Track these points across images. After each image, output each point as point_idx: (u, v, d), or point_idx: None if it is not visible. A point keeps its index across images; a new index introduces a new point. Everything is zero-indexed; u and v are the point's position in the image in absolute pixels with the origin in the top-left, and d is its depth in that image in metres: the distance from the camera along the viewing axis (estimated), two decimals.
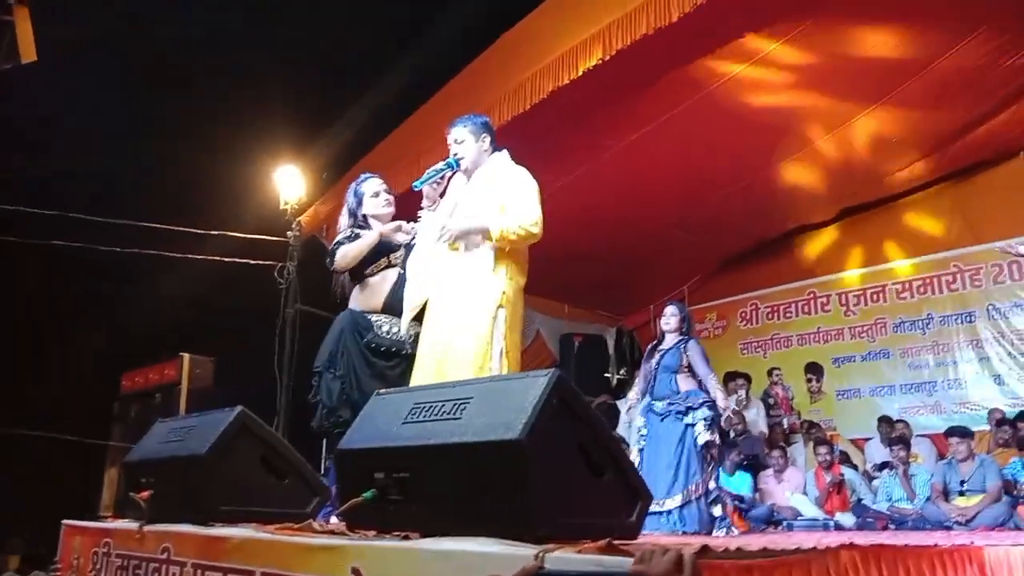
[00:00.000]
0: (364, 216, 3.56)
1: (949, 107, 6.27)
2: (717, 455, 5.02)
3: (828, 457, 6.54)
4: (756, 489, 6.56)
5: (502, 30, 5.66)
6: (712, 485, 4.78)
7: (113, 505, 7.34)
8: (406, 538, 1.74)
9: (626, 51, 4.69)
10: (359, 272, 3.43)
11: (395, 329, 3.31)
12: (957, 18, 5.29)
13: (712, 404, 4.82)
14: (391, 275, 3.43)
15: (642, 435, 4.92)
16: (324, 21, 7.93)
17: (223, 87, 7.67)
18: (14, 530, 7.28)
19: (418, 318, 3.20)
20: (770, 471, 6.68)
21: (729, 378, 7.38)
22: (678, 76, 5.56)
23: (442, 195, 3.24)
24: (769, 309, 8.63)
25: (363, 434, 2.03)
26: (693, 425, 4.75)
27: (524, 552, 1.38)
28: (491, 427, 1.71)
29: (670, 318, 5.11)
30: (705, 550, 1.34)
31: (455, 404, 1.84)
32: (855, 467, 6.83)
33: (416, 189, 3.20)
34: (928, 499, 5.96)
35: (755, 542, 2.57)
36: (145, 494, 2.53)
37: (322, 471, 4.67)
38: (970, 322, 7.24)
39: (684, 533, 4.50)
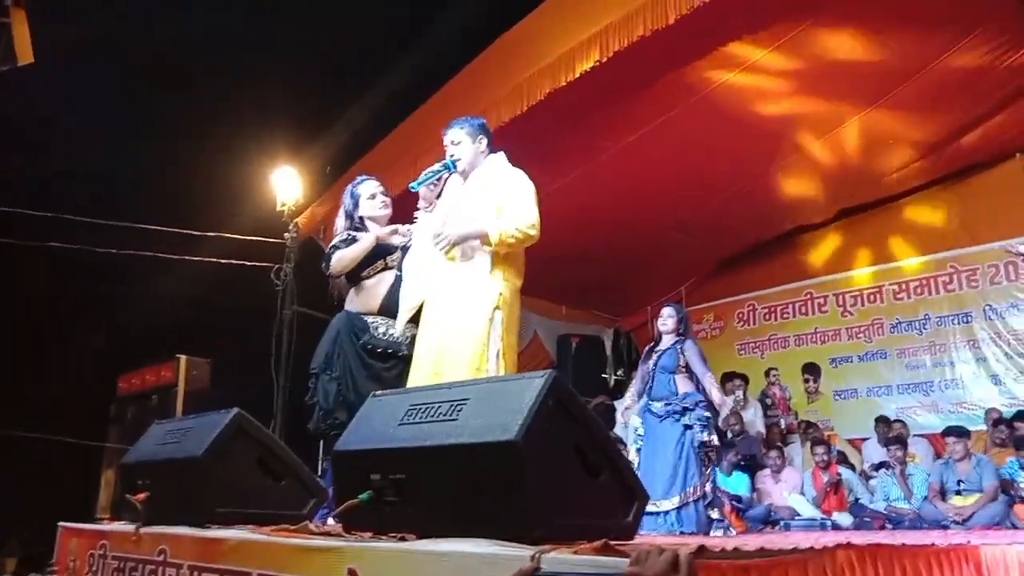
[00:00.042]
0: (361, 218, 3.56)
1: (946, 109, 6.29)
2: (715, 457, 5.03)
3: (825, 457, 6.55)
4: (753, 489, 6.57)
5: (500, 31, 5.66)
6: (709, 487, 4.78)
7: (110, 507, 7.33)
8: (402, 539, 1.74)
9: (623, 53, 4.69)
10: (355, 275, 3.42)
11: (391, 331, 3.31)
12: (953, 21, 5.30)
13: (709, 405, 4.83)
14: (388, 277, 3.42)
15: (639, 435, 4.92)
16: (322, 22, 7.93)
17: (221, 88, 7.67)
18: (11, 531, 7.27)
19: (414, 320, 3.20)
20: (767, 471, 6.69)
21: (726, 379, 7.39)
22: (675, 78, 5.57)
23: (438, 196, 3.23)
24: (766, 310, 8.64)
25: (359, 435, 2.03)
26: (691, 426, 4.75)
27: (520, 553, 1.38)
28: (487, 428, 1.71)
29: (667, 319, 5.11)
30: (702, 550, 1.33)
31: (451, 405, 1.84)
32: (852, 467, 6.84)
33: (412, 190, 3.20)
34: (925, 499, 5.97)
35: (752, 542, 2.57)
36: (141, 496, 2.52)
37: (319, 472, 4.67)
38: (967, 322, 7.26)
39: (682, 533, 4.50)
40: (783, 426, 7.52)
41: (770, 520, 6.23)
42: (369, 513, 1.88)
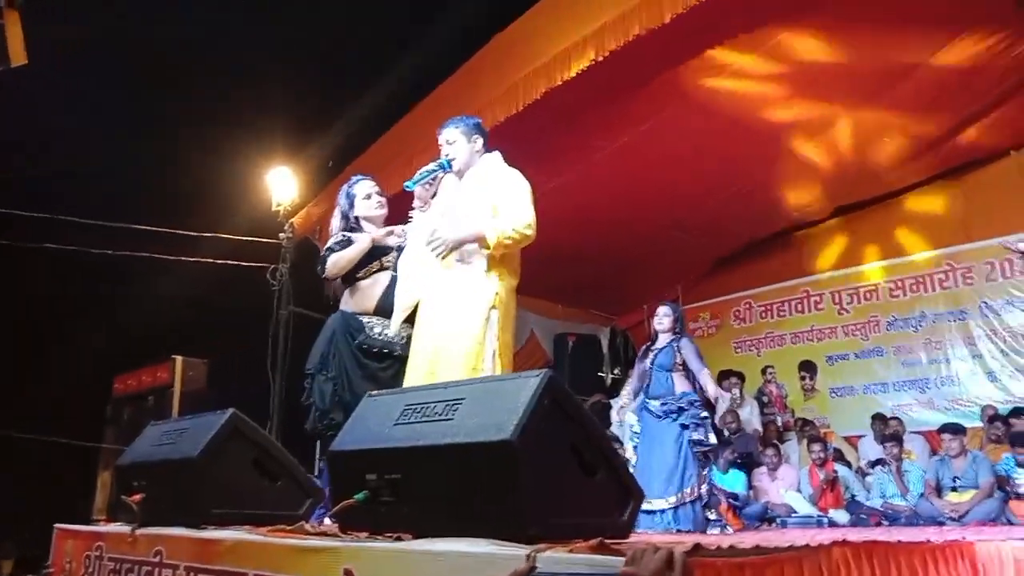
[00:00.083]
0: (356, 218, 3.55)
1: (941, 107, 6.30)
2: (712, 456, 5.04)
3: (822, 454, 6.57)
4: (750, 487, 6.58)
5: (495, 31, 5.66)
6: (705, 488, 4.79)
7: (106, 508, 7.31)
8: (398, 539, 1.74)
9: (619, 52, 4.69)
10: (351, 276, 3.42)
11: (387, 331, 3.31)
12: (949, 19, 5.31)
13: (706, 404, 4.83)
14: (383, 278, 3.41)
15: (635, 432, 4.92)
16: (318, 22, 7.92)
17: (217, 88, 7.65)
18: (7, 533, 7.25)
19: (409, 320, 3.19)
20: (764, 469, 6.70)
21: (723, 377, 7.41)
22: (671, 77, 5.58)
23: (433, 196, 3.23)
24: (763, 308, 8.65)
25: (355, 436, 2.03)
26: (688, 426, 4.75)
27: (516, 552, 1.38)
28: (483, 428, 1.71)
29: (663, 318, 5.12)
30: (697, 548, 1.34)
31: (447, 405, 1.84)
32: (848, 464, 6.86)
33: (408, 190, 3.19)
34: (921, 495, 5.99)
35: (748, 540, 2.58)
36: (137, 497, 2.52)
37: (316, 473, 4.66)
38: (963, 319, 7.27)
39: (679, 532, 4.51)
40: (780, 424, 7.53)
41: (767, 518, 6.25)
42: (365, 513, 1.88)
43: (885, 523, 5.88)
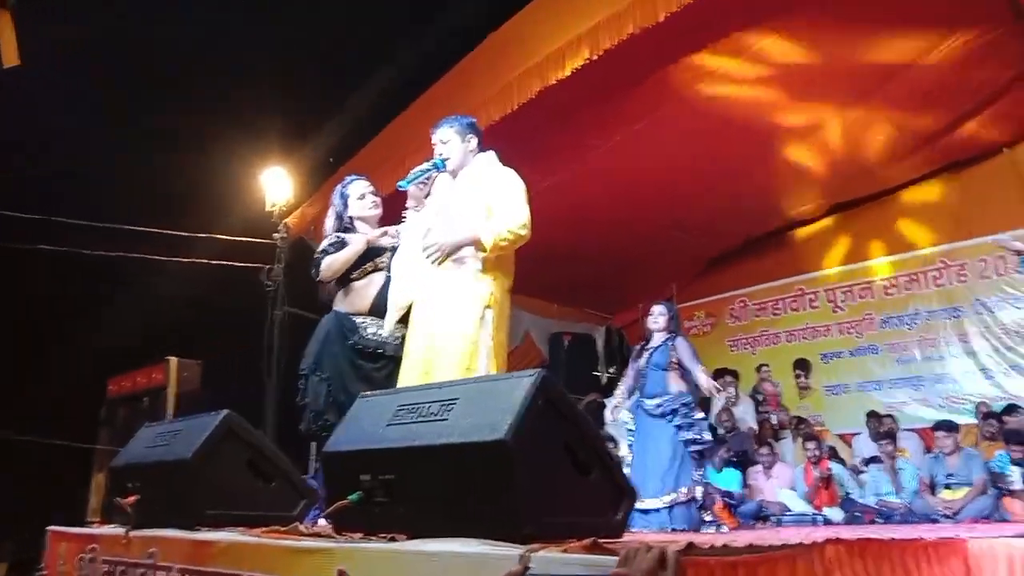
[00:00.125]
0: (351, 219, 3.54)
1: (935, 106, 6.33)
2: (708, 455, 5.04)
3: (816, 452, 6.58)
4: (745, 485, 6.59)
5: (489, 31, 5.66)
6: (700, 490, 4.79)
7: (101, 510, 7.30)
8: (392, 540, 1.74)
9: (614, 51, 4.70)
10: (345, 276, 3.41)
11: (380, 331, 3.30)
12: (943, 19, 5.33)
13: (701, 404, 4.84)
14: (377, 279, 3.41)
15: (630, 430, 4.92)
16: (313, 23, 7.91)
17: (212, 89, 7.64)
18: (2, 535, 7.22)
19: (403, 320, 3.19)
20: (759, 467, 6.71)
21: (718, 375, 7.37)
22: (665, 76, 5.59)
23: (427, 196, 3.23)
24: (757, 306, 8.66)
25: (349, 436, 2.03)
26: (683, 427, 4.76)
27: (510, 552, 1.38)
28: (477, 428, 1.71)
29: (658, 317, 5.12)
30: (690, 547, 1.34)
31: (441, 405, 1.84)
32: (843, 462, 6.87)
33: (401, 189, 3.19)
34: (916, 493, 6.01)
35: (742, 538, 2.58)
36: (130, 499, 2.51)
37: (312, 473, 4.66)
38: (957, 317, 7.28)
39: (674, 531, 4.51)
40: (774, 422, 7.54)
41: (762, 516, 6.26)
42: (359, 514, 1.88)
43: (880, 521, 5.90)
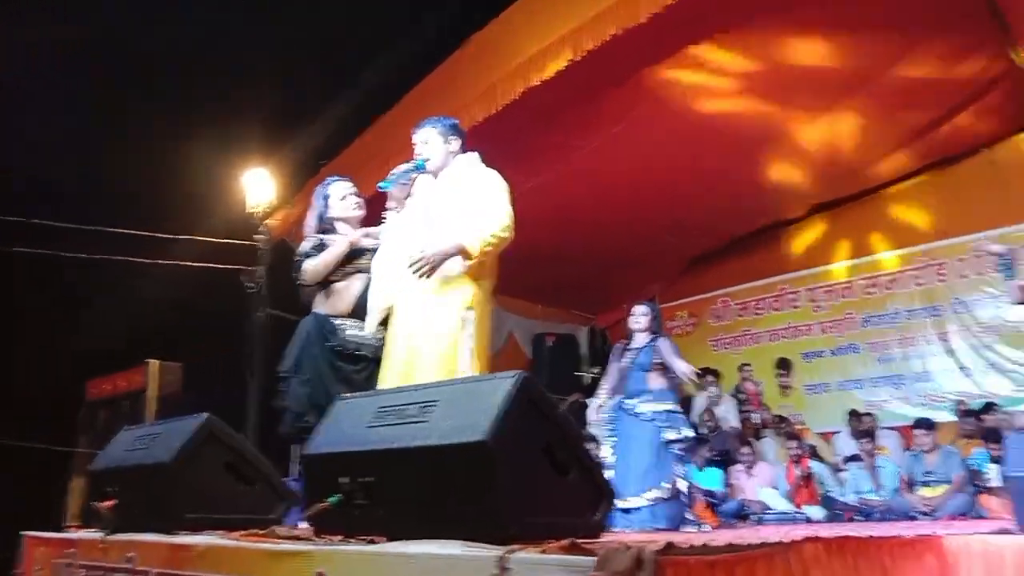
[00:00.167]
0: (331, 220, 3.52)
1: (916, 107, 6.41)
2: (688, 453, 5.06)
3: (798, 451, 6.63)
4: (727, 484, 6.62)
5: (472, 31, 5.66)
6: (683, 485, 4.81)
7: (80, 515, 7.22)
8: (371, 542, 1.73)
9: (596, 52, 4.72)
10: (325, 278, 3.39)
11: (360, 333, 3.28)
12: (922, 21, 5.39)
13: (682, 403, 4.86)
14: (358, 280, 3.38)
15: (612, 431, 4.93)
16: (295, 23, 7.86)
17: (193, 89, 7.58)
18: None
19: (384, 322, 3.17)
20: (741, 466, 6.75)
21: (700, 375, 7.44)
22: (647, 77, 5.61)
23: (408, 197, 3.21)
24: (740, 306, 8.71)
25: (329, 439, 2.02)
26: (664, 424, 4.77)
27: (488, 553, 1.38)
28: (457, 429, 1.71)
29: (640, 317, 5.12)
30: (669, 547, 1.34)
31: (421, 407, 1.84)
32: (823, 460, 6.92)
33: (382, 191, 3.17)
34: (896, 490, 6.06)
35: (721, 537, 2.59)
36: (108, 503, 2.49)
37: (296, 476, 4.64)
38: (937, 316, 7.36)
39: (656, 530, 4.52)
40: (756, 421, 7.59)
41: (743, 515, 6.30)
42: (339, 516, 1.87)
43: (860, 519, 5.95)
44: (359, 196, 3.60)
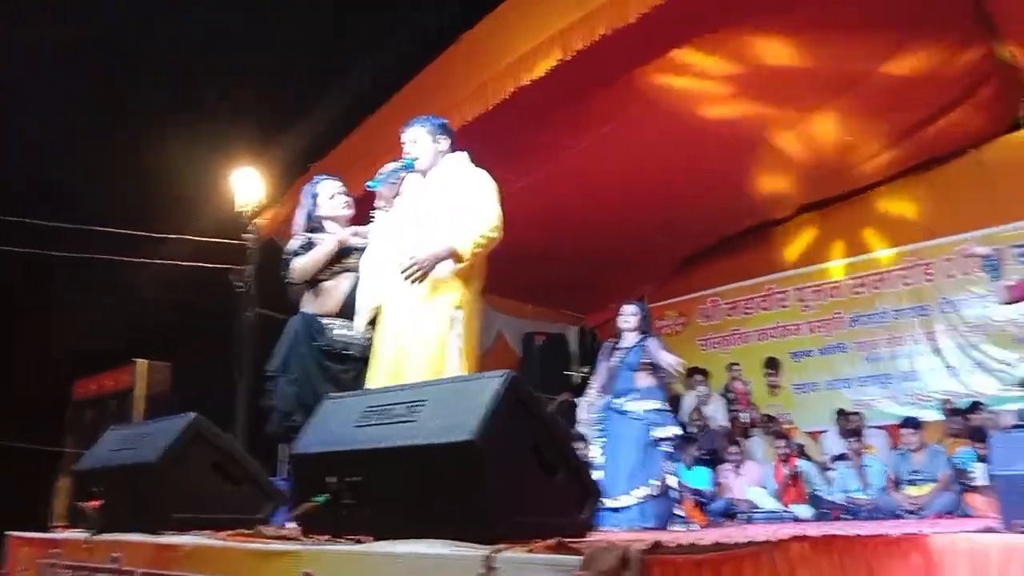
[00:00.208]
0: (319, 218, 3.51)
1: (904, 107, 6.44)
2: (677, 451, 5.07)
3: (786, 450, 6.66)
4: (715, 483, 6.64)
5: (463, 30, 5.65)
6: (673, 481, 4.82)
7: (67, 515, 7.17)
8: (358, 542, 1.73)
9: (585, 51, 4.72)
10: (313, 277, 3.38)
11: (348, 332, 3.27)
12: (908, 21, 5.42)
13: (670, 401, 4.87)
14: (346, 279, 3.37)
15: (601, 431, 4.94)
16: (284, 21, 7.83)
17: (181, 89, 7.54)
18: None
19: (371, 321, 3.17)
20: (729, 465, 6.77)
21: (689, 374, 7.47)
22: (637, 76, 5.62)
23: (396, 196, 3.20)
24: (729, 305, 8.74)
25: (316, 438, 2.01)
26: (652, 423, 4.78)
27: (475, 553, 1.38)
28: (445, 429, 1.71)
29: (629, 317, 5.12)
30: (656, 546, 1.34)
31: (409, 407, 1.84)
32: (811, 459, 6.95)
33: (370, 190, 3.16)
34: (883, 489, 6.09)
35: (709, 536, 2.60)
36: (94, 503, 2.48)
37: (285, 475, 4.62)
38: (924, 315, 7.40)
39: (644, 528, 4.53)
40: (745, 420, 7.61)
41: (731, 513, 6.32)
42: (327, 516, 1.87)
43: (847, 517, 5.98)
44: (348, 195, 3.58)
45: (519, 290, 8.06)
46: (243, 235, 7.21)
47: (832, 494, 6.37)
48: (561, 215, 6.86)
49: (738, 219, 8.19)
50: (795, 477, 6.46)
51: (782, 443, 6.71)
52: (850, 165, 7.31)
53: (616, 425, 4.86)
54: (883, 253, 7.77)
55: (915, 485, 5.92)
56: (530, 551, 1.36)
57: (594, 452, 4.88)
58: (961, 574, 2.13)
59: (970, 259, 6.93)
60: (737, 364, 8.23)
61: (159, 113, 7.27)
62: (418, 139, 3.14)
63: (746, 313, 8.59)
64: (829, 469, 6.67)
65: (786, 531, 2.60)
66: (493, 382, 1.76)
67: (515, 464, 1.75)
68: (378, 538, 1.72)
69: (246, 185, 7.33)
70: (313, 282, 3.38)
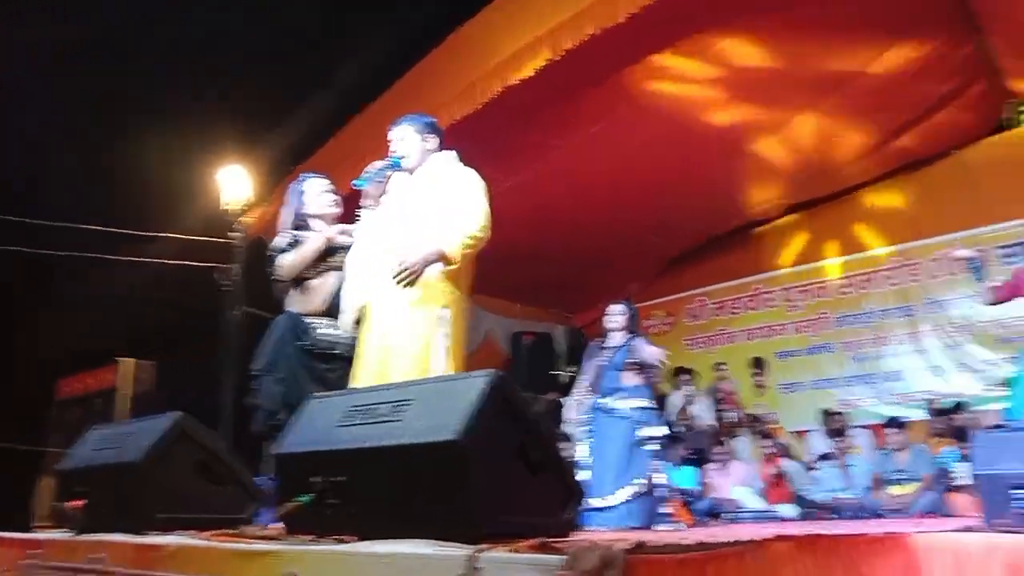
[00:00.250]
0: (307, 216, 3.49)
1: (889, 109, 6.49)
2: (664, 450, 5.09)
3: (773, 450, 6.69)
4: (701, 483, 6.66)
5: (451, 29, 5.64)
6: (661, 479, 4.83)
7: (49, 515, 7.11)
8: (342, 542, 1.72)
9: (574, 51, 4.73)
10: (300, 275, 3.36)
11: (334, 331, 3.26)
12: (892, 23, 5.46)
13: (655, 400, 4.88)
14: (332, 278, 3.36)
15: (588, 430, 4.94)
16: (271, 19, 7.79)
17: (167, 86, 7.49)
18: None
19: (357, 320, 3.15)
20: (714, 465, 6.79)
21: (676, 373, 7.50)
22: (625, 76, 5.63)
23: (383, 195, 3.19)
24: (716, 305, 8.77)
25: (301, 438, 2.01)
26: (638, 421, 4.79)
27: (458, 553, 1.38)
28: (430, 429, 1.71)
29: (616, 316, 5.12)
30: (639, 546, 1.35)
31: (394, 406, 1.83)
32: (797, 459, 6.99)
33: (356, 188, 3.15)
34: (868, 489, 6.13)
35: (693, 536, 2.61)
36: (77, 503, 2.46)
37: (271, 474, 4.58)
38: (910, 315, 7.44)
39: (631, 528, 4.54)
40: (731, 419, 7.63)
41: (717, 513, 6.34)
42: (311, 516, 1.86)
43: (832, 517, 6.01)
44: (335, 193, 3.57)
45: (507, 289, 8.06)
46: (229, 233, 7.17)
47: (817, 494, 6.41)
48: (549, 215, 6.87)
49: (726, 219, 8.22)
50: (780, 477, 6.50)
51: (768, 443, 6.74)
52: (836, 166, 7.35)
53: (603, 424, 4.87)
54: (869, 254, 7.81)
55: (899, 485, 5.96)
56: (513, 551, 1.36)
57: (581, 451, 4.88)
58: (944, 573, 2.14)
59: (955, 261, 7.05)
60: (724, 364, 8.25)
61: (146, 111, 7.22)
62: (405, 137, 3.13)
63: (733, 313, 8.62)
64: (814, 469, 6.70)
65: (770, 530, 2.61)
66: (478, 382, 1.76)
67: (500, 464, 1.75)
68: (362, 538, 1.71)
69: (233, 183, 7.29)
70: (299, 280, 3.36)
